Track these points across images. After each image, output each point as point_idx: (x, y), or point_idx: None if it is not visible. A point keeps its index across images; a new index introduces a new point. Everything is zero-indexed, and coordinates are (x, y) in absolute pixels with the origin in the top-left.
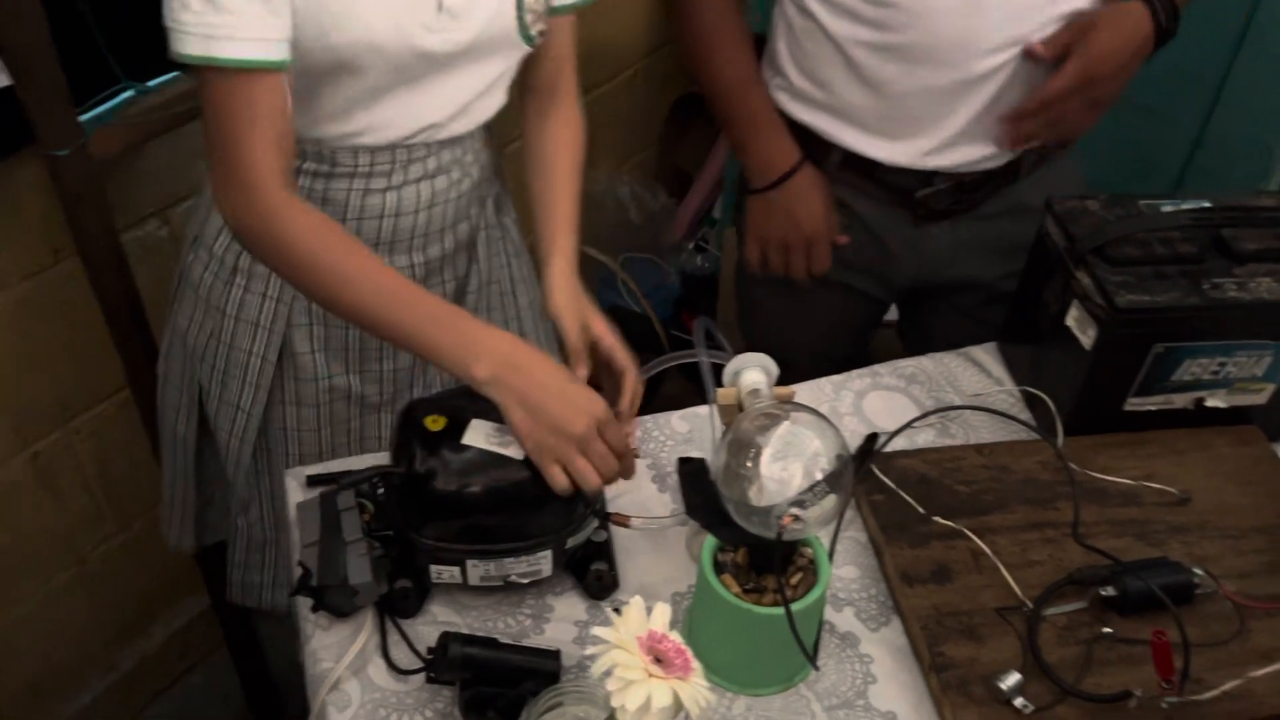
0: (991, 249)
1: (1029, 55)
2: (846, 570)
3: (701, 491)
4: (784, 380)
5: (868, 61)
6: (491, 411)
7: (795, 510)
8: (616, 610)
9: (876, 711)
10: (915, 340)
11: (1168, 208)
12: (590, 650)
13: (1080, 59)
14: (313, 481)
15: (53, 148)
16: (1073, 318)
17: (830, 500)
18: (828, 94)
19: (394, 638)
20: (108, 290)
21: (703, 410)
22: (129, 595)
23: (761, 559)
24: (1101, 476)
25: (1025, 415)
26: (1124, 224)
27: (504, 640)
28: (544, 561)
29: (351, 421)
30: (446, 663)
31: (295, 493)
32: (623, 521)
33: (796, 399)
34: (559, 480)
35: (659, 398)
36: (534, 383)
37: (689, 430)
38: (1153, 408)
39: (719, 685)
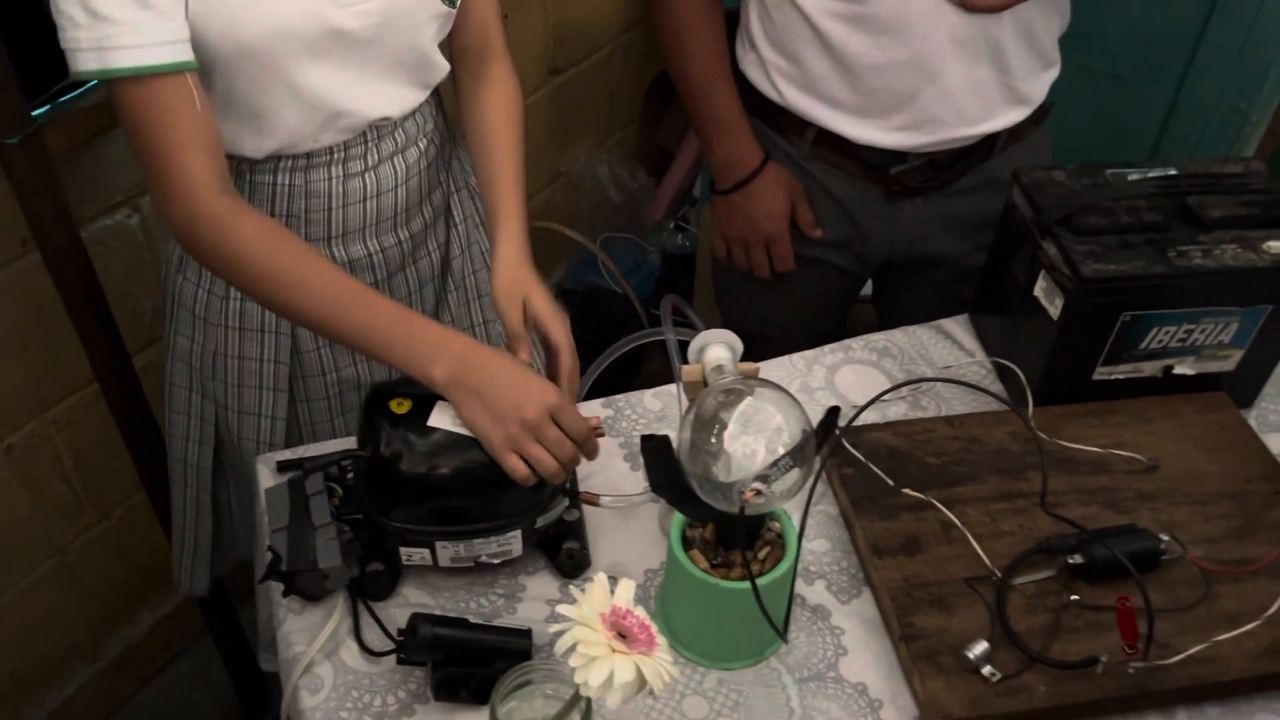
0: (965, 225)
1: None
2: (818, 544)
3: (666, 468)
4: (763, 357)
5: (836, 31)
6: None
7: (758, 485)
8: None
9: (847, 683)
10: (890, 315)
11: (1134, 176)
12: (555, 628)
13: None
14: (283, 467)
15: (1, 136)
16: (1040, 288)
17: (794, 474)
18: (799, 68)
19: (366, 620)
20: (67, 280)
21: (674, 388)
22: (112, 584)
23: (728, 534)
24: (1071, 445)
25: (997, 387)
26: (1090, 193)
27: (475, 620)
28: (514, 542)
29: None
30: (416, 644)
31: (266, 479)
32: (592, 500)
33: (769, 375)
34: (518, 469)
35: (641, 377)
36: (486, 378)
37: (661, 408)
38: (1121, 376)
39: (691, 660)
